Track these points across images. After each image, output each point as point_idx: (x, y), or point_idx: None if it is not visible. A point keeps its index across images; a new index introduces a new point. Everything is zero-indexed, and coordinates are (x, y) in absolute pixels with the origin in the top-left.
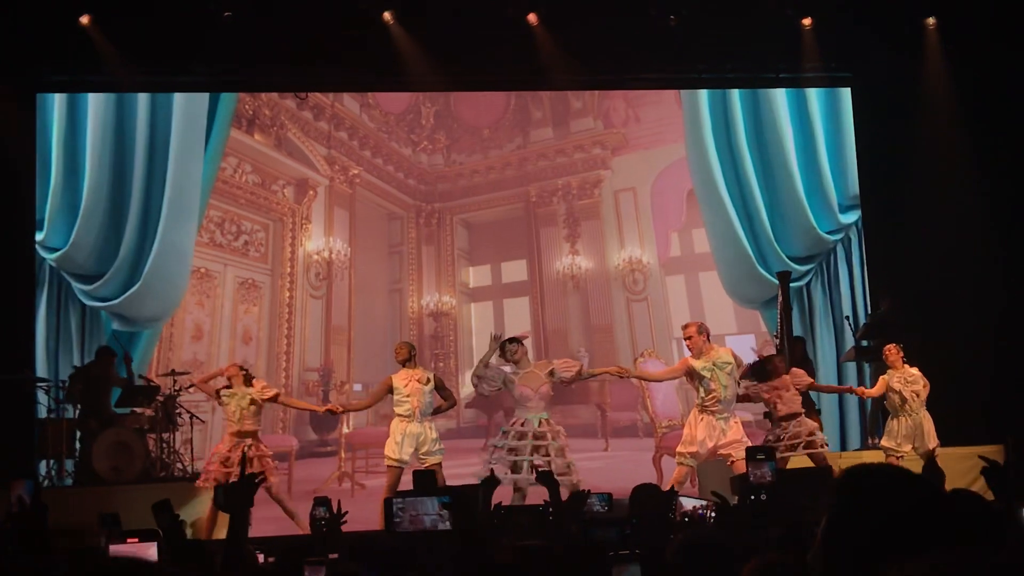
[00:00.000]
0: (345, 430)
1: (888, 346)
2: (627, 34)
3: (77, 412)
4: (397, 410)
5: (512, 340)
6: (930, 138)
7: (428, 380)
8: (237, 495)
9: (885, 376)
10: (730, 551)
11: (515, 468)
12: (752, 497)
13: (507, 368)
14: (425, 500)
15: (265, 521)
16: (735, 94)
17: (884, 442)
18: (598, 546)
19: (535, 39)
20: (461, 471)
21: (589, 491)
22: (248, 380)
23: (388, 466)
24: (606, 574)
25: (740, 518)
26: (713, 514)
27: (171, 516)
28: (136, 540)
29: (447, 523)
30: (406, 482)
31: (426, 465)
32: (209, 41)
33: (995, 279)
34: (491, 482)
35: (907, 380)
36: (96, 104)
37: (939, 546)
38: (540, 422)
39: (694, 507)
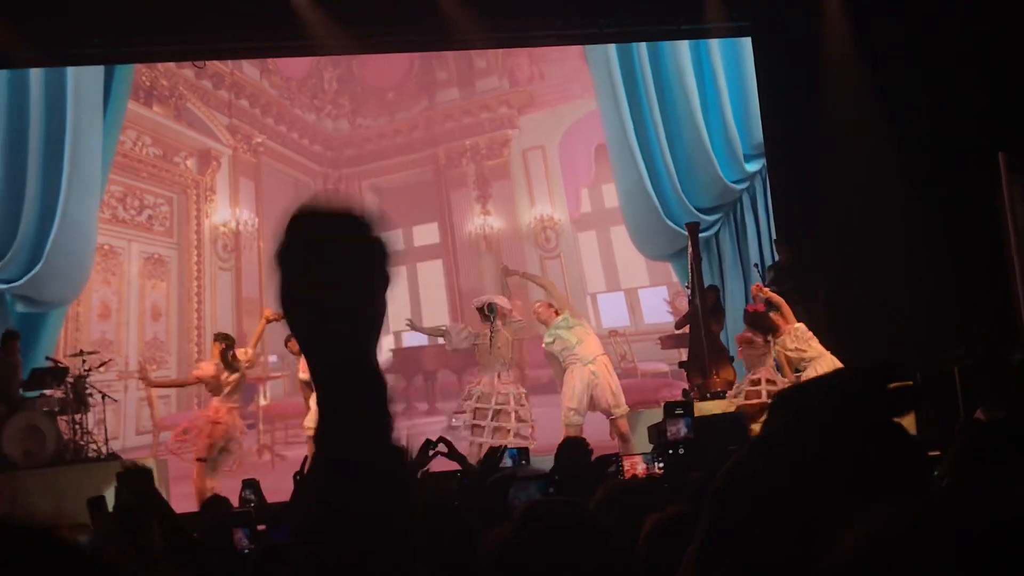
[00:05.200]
0: (262, 402)
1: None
2: None
3: None
4: None
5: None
6: (831, 84)
7: None
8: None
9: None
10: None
11: None
12: (671, 452)
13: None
14: None
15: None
16: (641, 47)
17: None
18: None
19: None
20: None
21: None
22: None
23: None
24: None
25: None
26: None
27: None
28: None
29: None
30: None
31: None
32: (102, 12)
33: (900, 224)
34: None
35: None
36: None
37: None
38: None
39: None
